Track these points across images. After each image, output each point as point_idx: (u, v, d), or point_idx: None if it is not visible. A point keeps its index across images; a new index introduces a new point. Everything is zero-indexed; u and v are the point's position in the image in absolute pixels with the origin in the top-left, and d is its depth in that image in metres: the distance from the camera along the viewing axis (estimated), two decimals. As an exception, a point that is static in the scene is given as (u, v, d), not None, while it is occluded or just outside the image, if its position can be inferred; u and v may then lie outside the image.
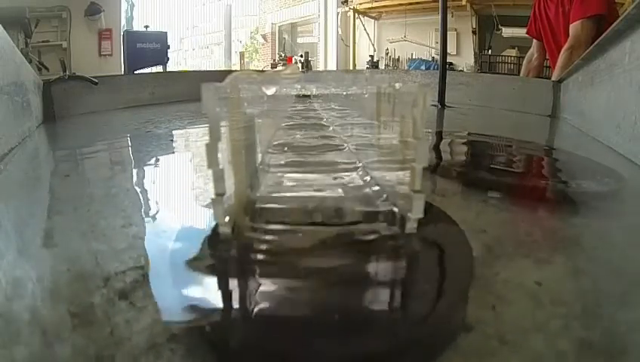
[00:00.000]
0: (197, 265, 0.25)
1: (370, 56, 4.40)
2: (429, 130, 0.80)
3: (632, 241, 0.32)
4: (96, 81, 1.14)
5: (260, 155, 0.41)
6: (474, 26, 3.90)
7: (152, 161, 0.59)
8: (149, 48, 2.54)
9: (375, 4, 4.36)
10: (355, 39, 4.70)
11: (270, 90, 0.35)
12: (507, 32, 3.59)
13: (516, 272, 0.25)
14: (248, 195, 0.31)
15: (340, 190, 0.35)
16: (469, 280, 0.24)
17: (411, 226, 0.27)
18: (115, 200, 0.39)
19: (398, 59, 4.49)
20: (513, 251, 0.29)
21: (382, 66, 4.35)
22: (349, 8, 4.57)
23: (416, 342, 0.19)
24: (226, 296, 0.22)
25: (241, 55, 5.77)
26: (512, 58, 3.67)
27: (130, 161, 0.62)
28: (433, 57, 3.98)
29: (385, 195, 0.33)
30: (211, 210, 0.26)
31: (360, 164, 0.42)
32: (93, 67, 2.58)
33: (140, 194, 0.42)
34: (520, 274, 0.25)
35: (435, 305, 0.22)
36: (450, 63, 3.52)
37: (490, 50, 3.90)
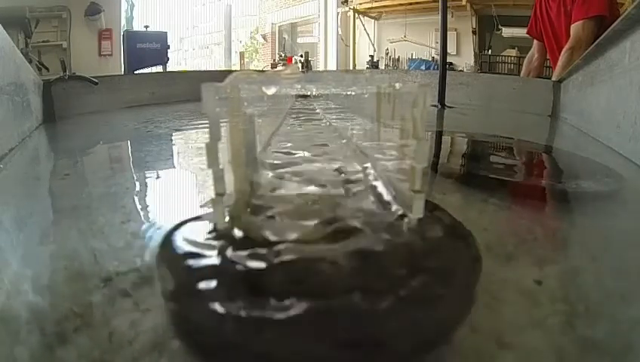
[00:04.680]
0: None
1: (370, 56, 4.40)
2: (429, 131, 0.80)
3: (632, 241, 0.33)
4: (97, 81, 1.14)
5: (259, 155, 0.41)
6: (474, 26, 3.91)
7: (153, 160, 0.59)
8: (149, 48, 2.54)
9: (375, 4, 4.36)
10: (355, 39, 4.70)
11: (270, 90, 0.35)
12: (507, 32, 3.59)
13: (515, 271, 0.25)
14: (249, 194, 0.31)
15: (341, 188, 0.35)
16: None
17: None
18: (114, 199, 0.39)
19: (398, 59, 4.50)
20: (512, 249, 0.29)
21: (382, 66, 4.35)
22: (349, 8, 4.57)
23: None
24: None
25: (241, 55, 5.77)
26: (512, 58, 3.68)
27: (131, 160, 0.62)
28: (433, 57, 3.98)
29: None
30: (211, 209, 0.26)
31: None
32: (93, 67, 2.58)
33: (140, 193, 0.42)
34: (519, 273, 0.25)
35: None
36: (450, 63, 3.53)
37: (490, 50, 3.91)
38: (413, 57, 4.36)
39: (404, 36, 4.36)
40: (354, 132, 0.58)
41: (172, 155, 0.64)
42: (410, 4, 4.08)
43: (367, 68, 4.00)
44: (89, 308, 0.21)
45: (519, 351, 0.18)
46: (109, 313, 0.21)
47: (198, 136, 0.76)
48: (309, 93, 0.32)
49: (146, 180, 0.49)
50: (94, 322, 0.20)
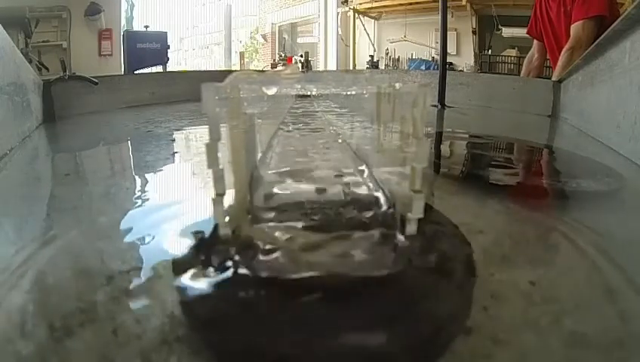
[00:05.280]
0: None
1: (370, 56, 4.40)
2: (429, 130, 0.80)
3: (632, 240, 0.32)
4: (97, 81, 1.14)
5: (259, 155, 0.41)
6: (474, 26, 3.91)
7: (153, 160, 0.59)
8: (149, 48, 2.54)
9: (375, 4, 4.37)
10: (355, 39, 4.70)
11: (270, 90, 0.35)
12: (507, 32, 3.59)
13: (512, 271, 0.25)
14: (249, 195, 0.31)
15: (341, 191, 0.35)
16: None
17: (411, 227, 0.27)
18: (114, 199, 0.39)
19: (398, 59, 4.50)
20: (510, 250, 0.29)
21: (382, 66, 4.35)
22: (349, 8, 4.57)
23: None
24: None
25: (241, 55, 5.77)
26: (512, 58, 3.68)
27: (130, 160, 0.62)
28: (433, 57, 3.98)
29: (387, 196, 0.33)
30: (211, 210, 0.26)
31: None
32: (93, 67, 2.58)
33: (140, 193, 0.42)
34: (516, 273, 0.25)
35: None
36: (450, 63, 3.53)
37: (490, 50, 3.91)
38: (413, 57, 4.36)
39: (404, 36, 4.36)
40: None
41: (172, 155, 0.64)
42: (410, 4, 4.08)
43: (367, 68, 4.00)
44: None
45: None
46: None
47: (198, 136, 0.76)
48: (309, 93, 0.32)
49: (146, 180, 0.49)
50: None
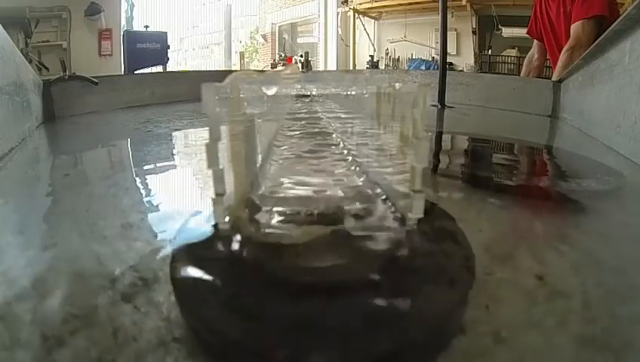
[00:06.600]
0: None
1: (370, 56, 4.41)
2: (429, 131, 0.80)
3: (632, 239, 0.33)
4: (97, 81, 1.14)
5: (260, 155, 0.41)
6: (474, 26, 3.91)
7: (153, 160, 0.59)
8: (149, 48, 2.54)
9: (375, 4, 4.37)
10: (355, 39, 4.71)
11: (270, 90, 0.35)
12: (507, 32, 3.60)
13: (514, 270, 0.25)
14: (249, 195, 0.31)
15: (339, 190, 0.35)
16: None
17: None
18: (114, 200, 0.39)
19: (398, 59, 4.50)
20: (511, 249, 0.29)
21: (382, 66, 4.36)
22: (349, 8, 4.58)
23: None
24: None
25: (241, 55, 5.78)
26: (512, 58, 3.69)
27: (130, 160, 0.62)
28: (433, 57, 3.99)
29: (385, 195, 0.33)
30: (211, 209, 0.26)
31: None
32: (93, 67, 2.58)
33: (140, 193, 0.42)
34: (517, 272, 0.25)
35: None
36: (450, 63, 3.53)
37: (490, 50, 3.91)
38: (413, 57, 4.37)
39: (404, 36, 4.37)
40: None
41: (172, 155, 0.64)
42: (410, 4, 4.08)
43: (367, 68, 4.00)
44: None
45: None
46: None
47: (198, 136, 0.76)
48: (309, 93, 0.32)
49: (146, 180, 0.49)
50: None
